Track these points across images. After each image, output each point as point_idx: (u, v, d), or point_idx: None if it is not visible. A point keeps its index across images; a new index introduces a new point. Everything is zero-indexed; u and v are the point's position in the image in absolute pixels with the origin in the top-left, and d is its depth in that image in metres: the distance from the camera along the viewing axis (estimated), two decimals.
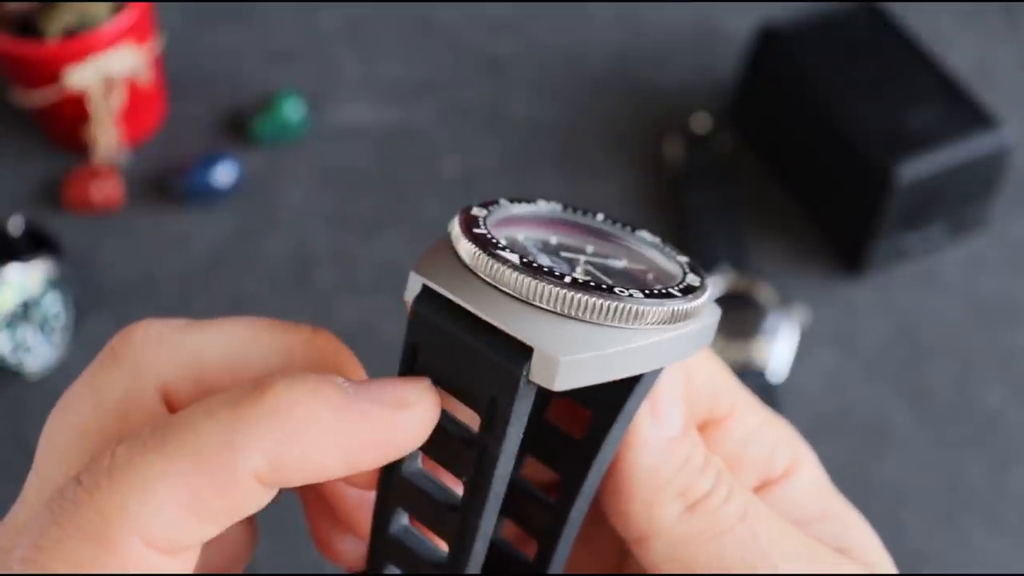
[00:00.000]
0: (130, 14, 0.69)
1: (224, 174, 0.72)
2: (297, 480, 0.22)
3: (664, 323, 0.24)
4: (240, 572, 0.28)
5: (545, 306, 0.23)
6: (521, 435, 0.24)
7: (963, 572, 0.59)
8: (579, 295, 0.23)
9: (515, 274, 0.23)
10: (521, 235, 0.26)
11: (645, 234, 0.28)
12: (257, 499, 0.22)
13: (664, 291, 0.24)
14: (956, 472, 0.62)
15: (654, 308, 0.24)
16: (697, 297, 0.25)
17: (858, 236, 0.69)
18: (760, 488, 0.29)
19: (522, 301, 0.23)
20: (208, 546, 0.26)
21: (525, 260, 0.23)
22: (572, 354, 0.22)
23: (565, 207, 0.28)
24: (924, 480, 0.62)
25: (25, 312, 0.64)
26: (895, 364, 0.67)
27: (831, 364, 0.66)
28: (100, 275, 0.69)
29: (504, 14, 0.85)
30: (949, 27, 0.84)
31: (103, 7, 0.69)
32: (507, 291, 0.23)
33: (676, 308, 0.24)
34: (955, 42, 0.83)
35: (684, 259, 0.27)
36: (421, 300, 0.24)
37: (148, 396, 0.24)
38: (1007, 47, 0.84)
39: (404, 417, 0.23)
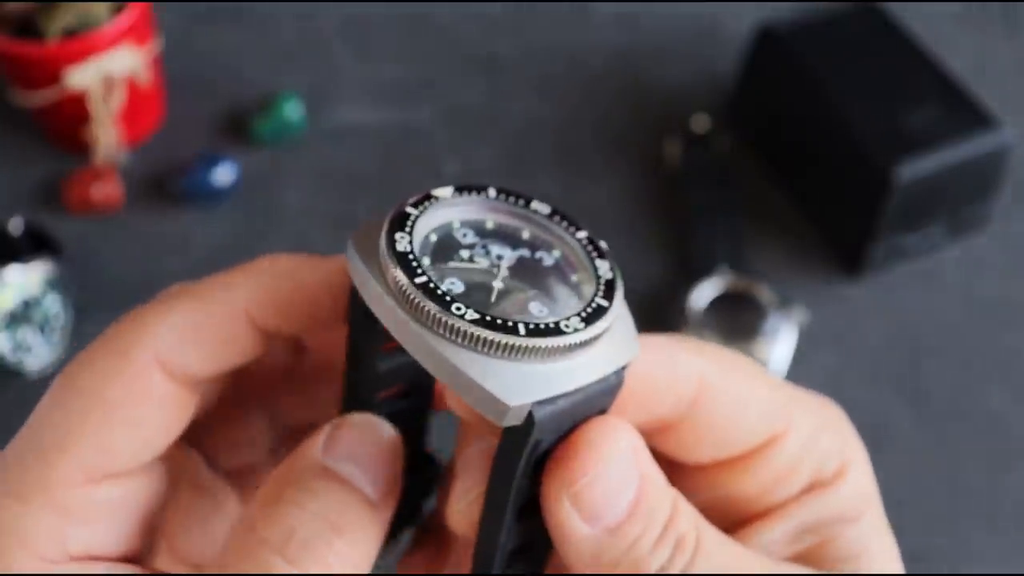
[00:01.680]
0: (130, 14, 0.69)
1: (224, 174, 0.72)
2: (282, 317, 0.27)
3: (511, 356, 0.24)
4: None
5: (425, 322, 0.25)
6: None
7: (963, 572, 0.59)
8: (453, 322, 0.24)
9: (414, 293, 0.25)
10: (458, 225, 0.28)
11: (582, 236, 0.28)
12: (248, 340, 0.27)
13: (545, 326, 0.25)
14: (956, 473, 0.62)
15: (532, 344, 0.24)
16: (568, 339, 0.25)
17: (858, 236, 0.69)
18: (809, 490, 0.29)
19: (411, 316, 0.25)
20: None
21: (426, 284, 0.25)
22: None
23: (507, 196, 0.28)
24: (924, 481, 0.62)
25: (25, 312, 0.64)
26: (895, 365, 0.67)
27: (830, 365, 0.66)
28: (100, 275, 0.69)
29: (503, 14, 0.85)
30: (948, 27, 0.84)
31: (103, 7, 0.69)
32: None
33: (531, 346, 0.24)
34: (954, 42, 0.83)
35: (605, 268, 0.27)
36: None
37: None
38: (1006, 47, 0.84)
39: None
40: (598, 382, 0.25)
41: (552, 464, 0.26)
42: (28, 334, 0.64)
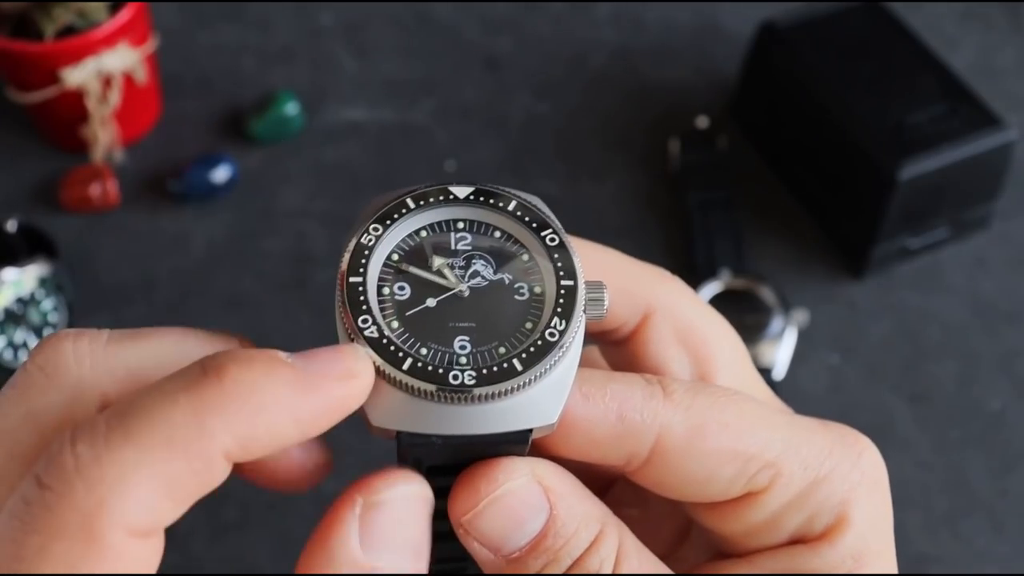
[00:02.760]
0: (126, 13, 0.69)
1: (221, 173, 0.71)
2: (260, 453, 0.23)
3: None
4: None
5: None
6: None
7: (966, 574, 0.58)
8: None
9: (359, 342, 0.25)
10: (424, 233, 0.27)
11: (548, 236, 0.27)
12: (224, 474, 0.23)
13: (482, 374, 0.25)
14: (958, 473, 0.62)
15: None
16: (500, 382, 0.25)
17: (860, 235, 0.68)
18: (793, 543, 0.28)
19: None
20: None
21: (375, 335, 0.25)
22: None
23: (478, 196, 0.28)
24: (926, 481, 0.61)
25: (21, 312, 0.63)
26: (897, 365, 0.66)
27: (832, 365, 0.66)
28: (96, 274, 0.68)
29: (503, 12, 0.84)
30: (952, 26, 0.84)
31: (100, 6, 0.69)
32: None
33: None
34: (958, 41, 0.83)
35: (570, 284, 0.26)
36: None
37: (89, 413, 0.25)
38: (1010, 46, 0.83)
39: (352, 386, 0.24)
40: (484, 436, 0.25)
41: (452, 490, 0.26)
42: (24, 334, 0.63)
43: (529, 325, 0.26)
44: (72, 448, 0.22)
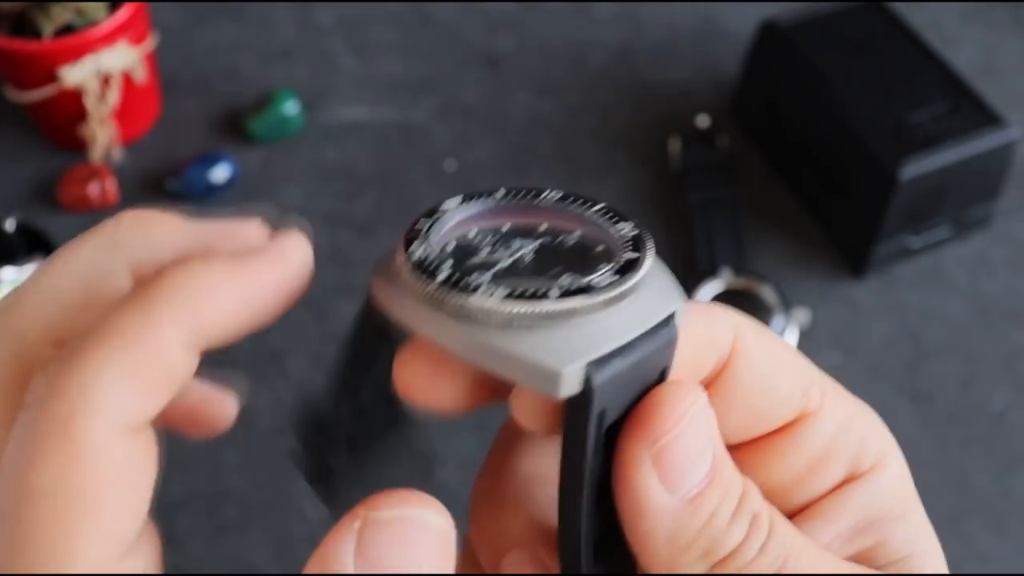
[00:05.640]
0: (125, 12, 0.68)
1: (220, 172, 0.71)
2: (217, 339, 0.25)
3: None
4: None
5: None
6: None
7: (967, 574, 0.58)
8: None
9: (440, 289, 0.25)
10: (473, 231, 0.27)
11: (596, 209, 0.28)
12: (187, 363, 0.24)
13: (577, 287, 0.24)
14: (960, 474, 0.62)
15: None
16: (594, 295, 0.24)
17: (861, 235, 0.68)
18: (846, 481, 0.28)
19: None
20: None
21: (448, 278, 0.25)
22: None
23: (515, 193, 0.28)
24: (927, 482, 0.61)
25: None
26: (898, 365, 0.66)
27: (833, 364, 0.66)
28: None
29: (504, 11, 0.84)
30: (954, 24, 0.84)
31: (98, 5, 0.69)
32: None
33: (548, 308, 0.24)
34: (960, 40, 0.82)
35: (628, 228, 0.27)
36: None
37: (119, 271, 0.27)
38: (1013, 45, 0.83)
39: (285, 261, 0.26)
40: (649, 333, 0.24)
41: (629, 428, 0.24)
42: None
43: (601, 248, 0.26)
44: (44, 371, 0.23)
